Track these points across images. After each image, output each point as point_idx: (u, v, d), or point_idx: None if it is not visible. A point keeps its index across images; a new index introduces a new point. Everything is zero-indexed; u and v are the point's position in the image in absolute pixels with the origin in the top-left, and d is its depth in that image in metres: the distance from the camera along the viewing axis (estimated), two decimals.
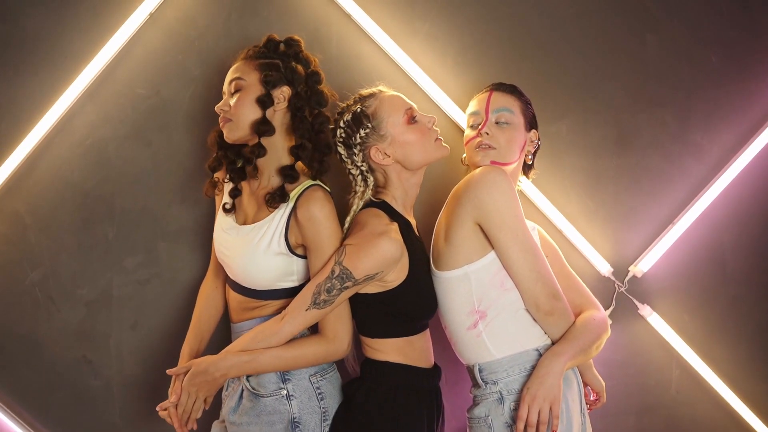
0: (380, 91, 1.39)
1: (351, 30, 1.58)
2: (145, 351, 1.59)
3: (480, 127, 1.37)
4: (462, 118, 1.59)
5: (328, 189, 1.36)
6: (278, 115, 1.34)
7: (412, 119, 1.35)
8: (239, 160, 1.40)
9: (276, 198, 1.31)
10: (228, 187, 1.44)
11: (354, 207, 1.35)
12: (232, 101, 1.32)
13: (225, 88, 1.37)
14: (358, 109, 1.35)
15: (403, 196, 1.39)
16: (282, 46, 1.39)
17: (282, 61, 1.35)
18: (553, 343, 1.31)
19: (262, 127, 1.31)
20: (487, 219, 1.26)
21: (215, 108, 1.33)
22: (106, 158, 1.55)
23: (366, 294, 1.32)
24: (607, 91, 1.67)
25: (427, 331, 1.42)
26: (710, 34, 1.70)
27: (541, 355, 1.29)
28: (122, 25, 1.49)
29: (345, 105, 1.40)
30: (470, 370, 1.36)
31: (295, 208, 1.30)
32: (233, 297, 1.42)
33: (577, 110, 1.66)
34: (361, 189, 1.35)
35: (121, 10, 1.51)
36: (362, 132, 1.34)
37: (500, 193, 1.25)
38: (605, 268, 1.65)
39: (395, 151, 1.34)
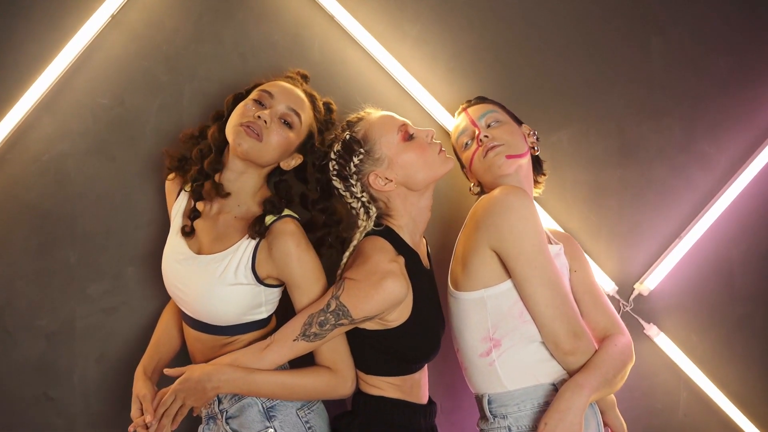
0: (367, 113, 1.31)
1: (335, 33, 1.51)
2: (112, 387, 1.49)
3: (478, 134, 1.32)
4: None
5: (297, 216, 1.29)
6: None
7: (407, 136, 1.26)
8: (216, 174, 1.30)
9: (260, 231, 1.22)
10: (183, 202, 1.33)
11: (354, 242, 1.28)
12: (280, 130, 1.24)
13: (279, 101, 1.25)
14: (347, 136, 1.27)
15: (411, 224, 1.30)
16: (332, 130, 1.36)
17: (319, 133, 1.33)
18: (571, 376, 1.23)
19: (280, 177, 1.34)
20: (503, 247, 1.18)
21: (254, 114, 1.22)
22: (65, 175, 1.46)
23: (365, 330, 1.24)
24: (610, 99, 1.62)
25: (425, 368, 1.34)
26: (717, 38, 1.66)
27: (557, 390, 1.21)
28: (81, 27, 1.41)
29: (333, 136, 1.32)
30: (479, 400, 1.30)
31: (264, 239, 1.23)
32: (194, 336, 1.31)
33: (578, 119, 1.61)
34: (364, 223, 1.27)
35: (80, 11, 1.43)
36: (355, 159, 1.25)
37: (519, 218, 1.17)
38: (609, 287, 1.60)
39: (396, 174, 1.25)
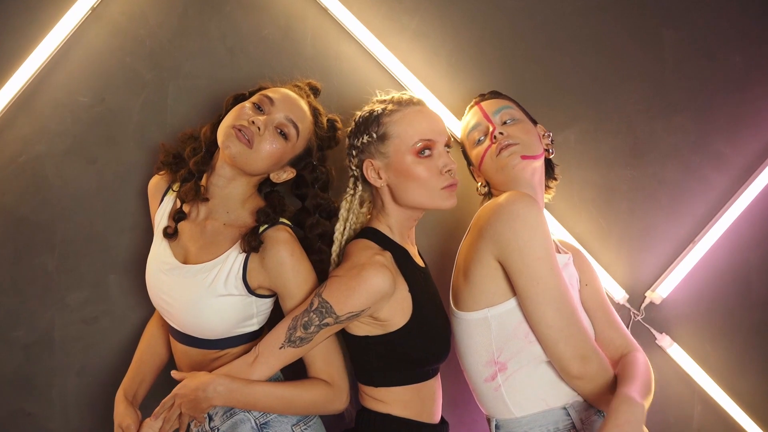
0: (415, 102, 1.22)
1: (329, 26, 1.45)
2: (93, 402, 1.44)
3: (492, 129, 1.25)
4: (459, 128, 1.46)
5: (290, 224, 1.24)
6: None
7: (422, 151, 1.18)
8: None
9: (255, 246, 1.16)
10: (169, 206, 1.27)
11: (338, 226, 1.24)
12: (271, 137, 1.17)
13: (278, 110, 1.18)
14: (377, 111, 1.21)
15: (397, 225, 1.24)
16: (330, 142, 1.30)
17: (320, 149, 1.28)
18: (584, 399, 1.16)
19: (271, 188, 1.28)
20: (507, 259, 1.12)
21: (247, 119, 1.16)
22: (43, 178, 1.41)
23: (366, 336, 1.17)
24: (619, 96, 1.57)
25: (438, 376, 1.27)
26: (733, 31, 1.60)
27: (569, 414, 1.14)
28: (59, 21, 1.36)
29: (379, 98, 1.25)
30: (488, 422, 1.25)
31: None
32: (181, 351, 1.26)
33: (586, 117, 1.56)
34: (350, 193, 1.26)
35: (58, 3, 1.38)
36: (365, 138, 1.21)
37: (526, 228, 1.10)
38: (619, 295, 1.55)
39: (389, 177, 1.20)
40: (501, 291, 1.15)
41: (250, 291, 1.18)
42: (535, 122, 1.33)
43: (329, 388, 1.18)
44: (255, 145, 1.16)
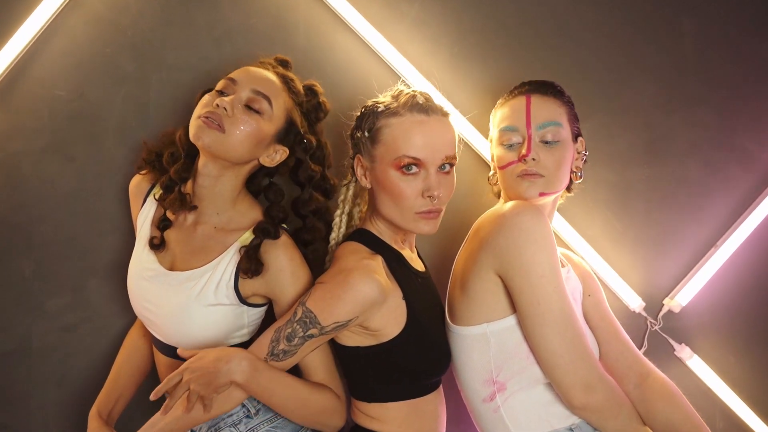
0: (424, 109, 1.09)
1: (322, 15, 1.40)
2: (73, 413, 1.39)
3: (525, 152, 1.13)
4: (463, 124, 1.40)
5: (286, 227, 1.19)
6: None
7: (407, 167, 1.08)
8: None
9: (257, 269, 1.10)
10: (151, 210, 1.22)
11: (337, 212, 1.19)
12: (245, 117, 1.09)
13: (242, 86, 1.11)
14: (379, 108, 1.12)
15: (387, 227, 1.17)
16: (316, 104, 1.22)
17: (308, 120, 1.20)
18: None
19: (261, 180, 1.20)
20: (508, 274, 1.05)
21: (218, 100, 1.10)
22: (19, 177, 1.36)
23: (357, 347, 1.10)
24: (636, 88, 1.51)
25: (440, 391, 1.19)
26: (757, 19, 1.54)
27: None
28: (35, 9, 1.31)
29: (395, 90, 1.14)
30: None
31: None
32: (165, 363, 1.20)
33: (600, 111, 1.50)
34: (345, 183, 1.21)
35: None
36: (358, 133, 1.15)
37: (530, 243, 1.03)
38: (635, 302, 1.49)
39: (373, 182, 1.13)
40: (501, 306, 1.08)
41: (242, 300, 1.12)
42: (576, 137, 1.21)
43: (337, 400, 1.12)
44: (227, 128, 1.08)
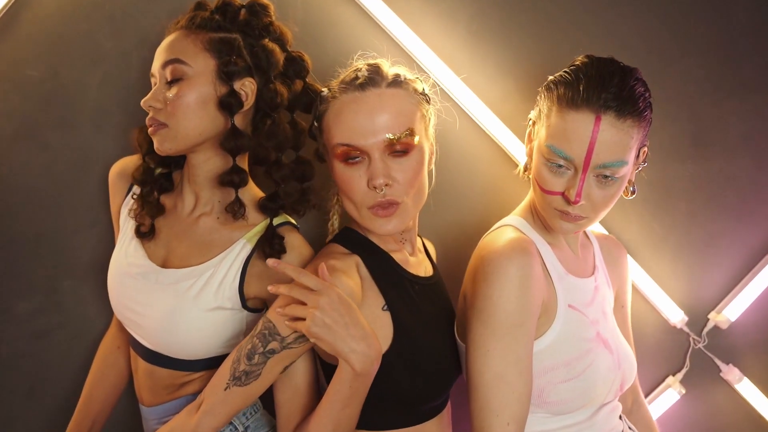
0: (363, 82, 0.95)
1: None
2: (45, 426, 1.33)
3: (575, 198, 0.95)
4: (483, 112, 1.29)
5: (296, 223, 1.11)
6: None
7: (348, 157, 0.95)
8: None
9: (280, 247, 1.01)
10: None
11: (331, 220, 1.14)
12: (169, 94, 1.00)
13: (155, 71, 1.03)
14: (323, 92, 1.00)
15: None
16: (243, 13, 1.05)
17: (244, 38, 1.03)
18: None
19: (235, 142, 1.02)
20: (474, 308, 0.98)
21: (141, 103, 1.04)
22: None
23: (336, 367, 0.96)
24: (681, 73, 1.39)
25: (445, 414, 1.05)
26: None
27: None
28: None
29: (351, 66, 1.01)
30: None
31: (259, 251, 1.04)
32: (144, 369, 1.10)
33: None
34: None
35: None
36: (313, 118, 1.04)
37: (502, 288, 0.94)
38: (677, 316, 1.39)
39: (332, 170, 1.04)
40: None
41: (244, 304, 1.03)
42: (641, 148, 1.01)
43: None
44: (166, 120, 1.01)
